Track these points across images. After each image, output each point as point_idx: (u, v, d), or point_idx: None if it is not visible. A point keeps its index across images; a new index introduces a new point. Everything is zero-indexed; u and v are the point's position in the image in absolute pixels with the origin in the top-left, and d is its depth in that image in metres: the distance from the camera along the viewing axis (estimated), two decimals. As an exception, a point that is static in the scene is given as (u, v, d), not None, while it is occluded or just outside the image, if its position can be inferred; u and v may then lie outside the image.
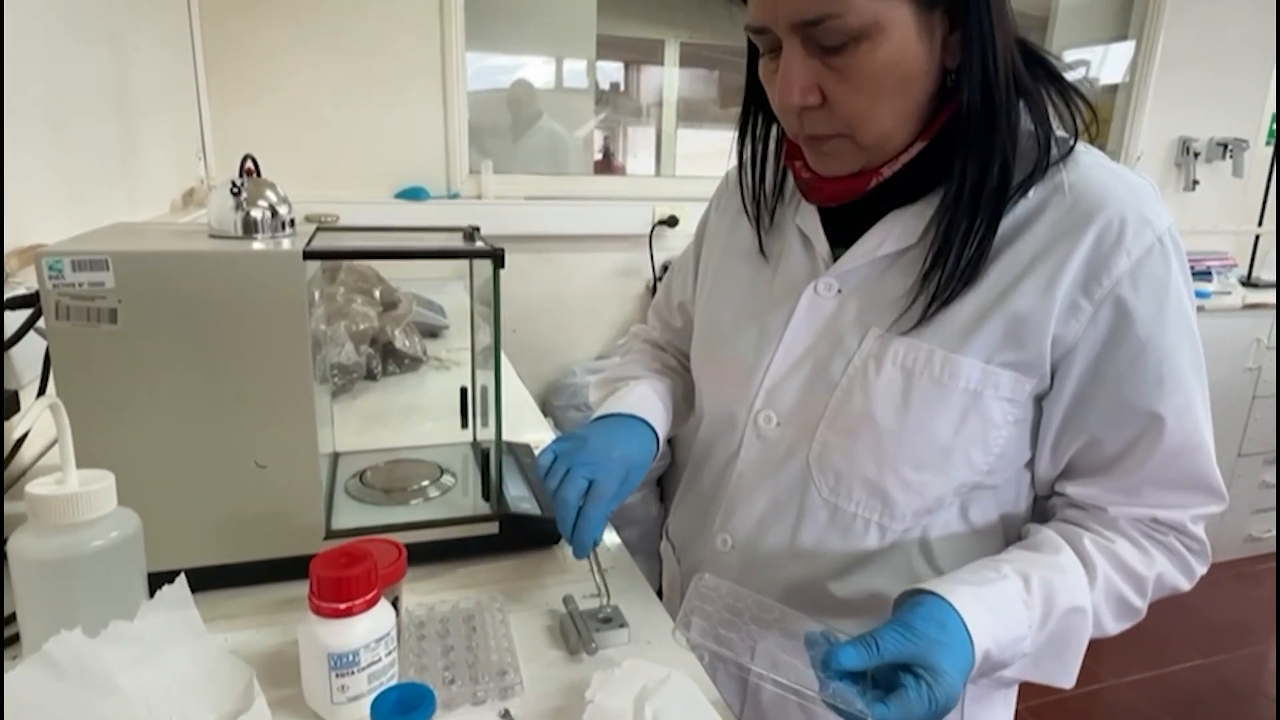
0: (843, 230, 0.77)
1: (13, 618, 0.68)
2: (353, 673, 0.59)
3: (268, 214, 0.76)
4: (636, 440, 0.82)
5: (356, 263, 1.59)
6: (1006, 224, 0.68)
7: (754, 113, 0.80)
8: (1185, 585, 0.73)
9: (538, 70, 2.69)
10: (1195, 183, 3.15)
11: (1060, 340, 0.67)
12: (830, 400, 0.73)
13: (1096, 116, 0.71)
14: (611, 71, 2.92)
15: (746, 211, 0.84)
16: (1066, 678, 0.69)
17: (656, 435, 0.84)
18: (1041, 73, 0.69)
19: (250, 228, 0.76)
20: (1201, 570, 0.74)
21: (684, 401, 0.96)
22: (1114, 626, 0.71)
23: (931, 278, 0.69)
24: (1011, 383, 0.69)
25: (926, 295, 0.69)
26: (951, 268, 0.68)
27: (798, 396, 0.76)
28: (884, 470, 0.72)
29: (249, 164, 0.78)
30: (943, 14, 0.64)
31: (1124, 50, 3.08)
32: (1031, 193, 0.68)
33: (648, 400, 0.87)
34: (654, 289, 2.63)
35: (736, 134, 0.82)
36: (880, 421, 0.71)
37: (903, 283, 0.72)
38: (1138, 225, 0.65)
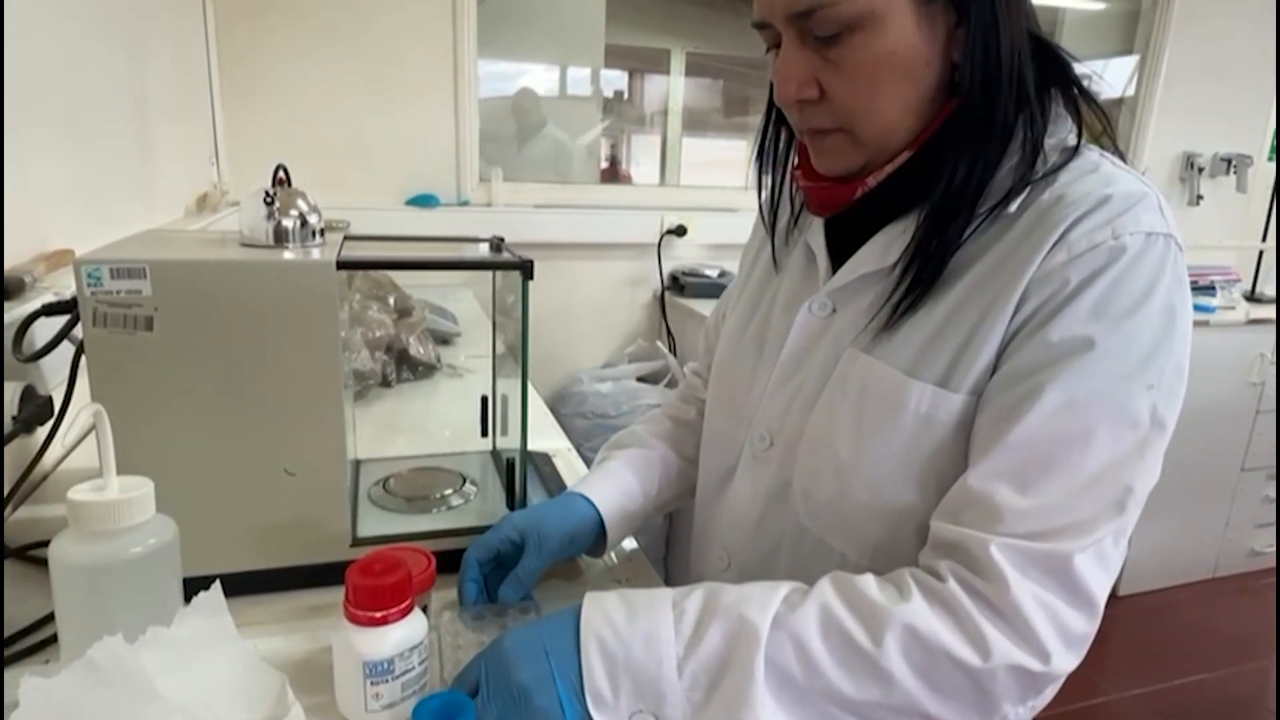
0: (844, 246, 0.73)
1: (46, 620, 0.69)
2: (387, 681, 0.59)
3: (298, 223, 0.77)
4: (564, 515, 0.80)
5: (372, 270, 1.59)
6: (977, 242, 0.64)
7: (773, 121, 0.78)
8: (970, 655, 0.54)
9: (540, 78, 2.70)
10: (1199, 197, 3.17)
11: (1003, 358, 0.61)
12: (806, 423, 0.71)
13: (1110, 125, 0.67)
14: (615, 80, 2.93)
15: (763, 219, 0.83)
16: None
17: (595, 507, 0.82)
18: (1056, 74, 0.65)
19: (281, 237, 0.76)
20: (1015, 646, 0.54)
21: (689, 462, 0.92)
22: (830, 663, 0.55)
23: (899, 287, 0.65)
24: (962, 406, 0.62)
25: (890, 307, 0.66)
26: (908, 276, 0.64)
27: (785, 417, 0.73)
28: (844, 494, 0.67)
29: (281, 174, 0.79)
30: (945, 4, 0.61)
31: (1124, 64, 3.10)
32: (1013, 206, 0.63)
33: (611, 480, 0.86)
34: (662, 298, 2.64)
35: (757, 142, 0.81)
36: (839, 444, 0.67)
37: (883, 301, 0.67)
38: (1093, 228, 0.59)
